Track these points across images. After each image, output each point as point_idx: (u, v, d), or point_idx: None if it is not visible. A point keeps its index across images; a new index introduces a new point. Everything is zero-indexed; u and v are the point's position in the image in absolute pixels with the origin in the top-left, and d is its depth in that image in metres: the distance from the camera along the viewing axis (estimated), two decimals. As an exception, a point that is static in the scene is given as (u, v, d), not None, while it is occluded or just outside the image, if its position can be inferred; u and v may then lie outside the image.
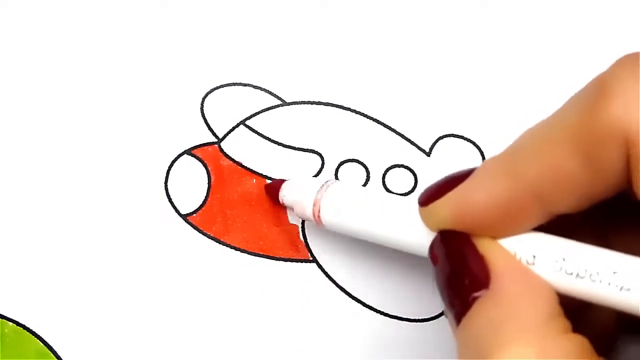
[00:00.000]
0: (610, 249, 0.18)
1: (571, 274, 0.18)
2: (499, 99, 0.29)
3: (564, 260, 0.19)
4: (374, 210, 0.24)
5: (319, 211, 0.25)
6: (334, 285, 0.29)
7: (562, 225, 0.20)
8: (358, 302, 0.29)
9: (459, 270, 0.19)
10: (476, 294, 0.18)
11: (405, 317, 0.28)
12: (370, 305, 0.28)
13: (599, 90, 0.17)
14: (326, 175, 0.29)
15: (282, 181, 0.28)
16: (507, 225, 0.19)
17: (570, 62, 0.29)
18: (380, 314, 0.28)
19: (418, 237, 0.22)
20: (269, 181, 0.29)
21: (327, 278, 0.29)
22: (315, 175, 0.29)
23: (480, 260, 0.19)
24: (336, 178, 0.29)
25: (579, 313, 0.19)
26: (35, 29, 0.30)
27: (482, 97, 0.29)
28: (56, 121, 0.29)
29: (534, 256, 0.19)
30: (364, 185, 0.29)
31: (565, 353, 0.17)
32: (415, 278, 0.29)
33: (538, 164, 0.18)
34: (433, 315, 0.28)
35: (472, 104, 0.29)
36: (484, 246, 0.19)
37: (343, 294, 0.29)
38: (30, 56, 0.30)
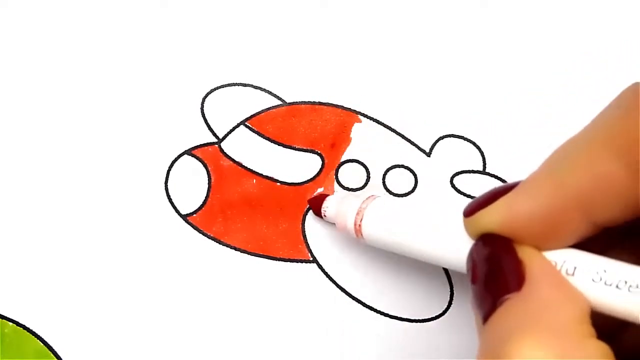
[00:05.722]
0: None
1: (610, 285, 0.18)
2: (499, 99, 0.29)
3: (605, 272, 0.19)
4: (415, 224, 0.24)
5: (360, 221, 0.25)
6: (334, 286, 0.29)
7: (601, 243, 0.20)
8: (358, 303, 0.29)
9: (494, 270, 0.19)
10: (507, 297, 0.19)
11: (405, 317, 0.28)
12: (371, 305, 0.28)
13: (638, 95, 0.18)
14: (328, 174, 0.29)
15: (325, 195, 0.28)
16: (552, 236, 0.19)
17: (570, 62, 0.29)
18: (381, 314, 0.28)
19: (460, 251, 0.22)
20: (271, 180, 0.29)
21: (327, 278, 0.29)
22: (316, 176, 0.29)
23: (518, 263, 0.19)
24: (336, 178, 0.29)
25: (609, 337, 0.19)
26: (35, 29, 0.30)
27: (482, 97, 0.29)
28: (56, 121, 0.29)
29: (575, 267, 0.19)
30: (364, 185, 0.29)
31: (587, 357, 0.17)
32: (416, 278, 0.29)
33: (582, 174, 0.18)
34: (434, 315, 0.28)
35: (472, 104, 0.29)
36: (525, 252, 0.19)
37: (343, 294, 0.29)
38: (30, 56, 0.30)
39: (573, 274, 0.19)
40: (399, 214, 0.25)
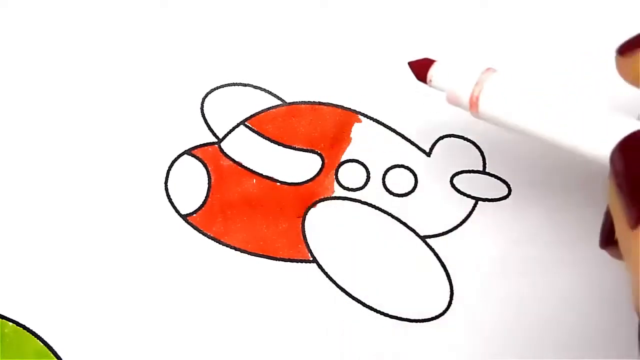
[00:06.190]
0: None
1: None
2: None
3: None
4: (546, 104, 0.21)
5: (479, 93, 0.22)
6: (334, 285, 0.29)
7: None
8: (358, 303, 0.29)
9: None
10: None
11: (405, 317, 0.28)
12: (371, 305, 0.28)
13: None
14: (328, 174, 0.29)
15: (432, 60, 0.24)
16: None
17: (570, 62, 0.29)
18: (380, 314, 0.28)
19: (597, 140, 0.20)
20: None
21: (327, 278, 0.29)
22: (316, 175, 0.29)
23: None
24: (336, 177, 0.29)
25: None
26: (35, 29, 0.30)
27: (482, 97, 0.29)
28: (56, 121, 0.29)
29: None
30: (364, 185, 0.29)
31: None
32: (415, 278, 0.29)
33: None
34: (433, 315, 0.28)
35: (472, 104, 0.29)
36: None
37: (343, 294, 0.29)
38: (30, 56, 0.30)
39: None
40: (523, 94, 0.22)
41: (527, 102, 0.21)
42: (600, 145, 0.20)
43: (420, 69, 0.24)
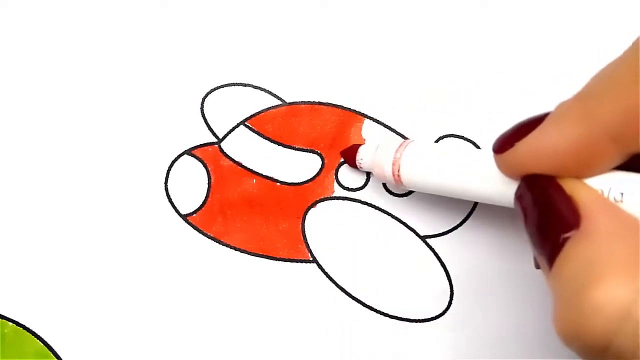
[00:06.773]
0: None
1: None
2: (499, 99, 0.29)
3: None
4: (454, 165, 0.24)
5: (398, 171, 0.26)
6: (334, 286, 0.29)
7: (636, 164, 0.20)
8: (358, 303, 0.29)
9: (547, 212, 0.19)
10: (567, 235, 0.18)
11: (405, 317, 0.28)
12: (371, 305, 0.28)
13: None
14: (328, 174, 0.29)
15: (358, 145, 0.28)
16: (586, 166, 0.19)
17: (570, 62, 0.29)
18: (380, 314, 0.28)
19: (500, 186, 0.22)
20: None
21: (327, 278, 0.29)
22: (316, 175, 0.29)
23: (568, 200, 0.19)
24: (336, 178, 0.29)
25: None
26: (35, 29, 0.30)
27: (482, 97, 0.29)
28: (56, 121, 0.29)
29: (622, 193, 0.19)
30: (364, 185, 0.29)
31: None
32: (415, 278, 0.29)
33: (612, 106, 0.18)
34: (433, 315, 0.28)
35: (472, 104, 0.29)
36: (570, 186, 0.19)
37: (343, 294, 0.29)
38: (30, 56, 0.30)
39: (621, 201, 0.19)
40: (435, 159, 0.25)
41: (436, 170, 0.24)
42: (503, 192, 0.22)
43: (349, 155, 0.28)
